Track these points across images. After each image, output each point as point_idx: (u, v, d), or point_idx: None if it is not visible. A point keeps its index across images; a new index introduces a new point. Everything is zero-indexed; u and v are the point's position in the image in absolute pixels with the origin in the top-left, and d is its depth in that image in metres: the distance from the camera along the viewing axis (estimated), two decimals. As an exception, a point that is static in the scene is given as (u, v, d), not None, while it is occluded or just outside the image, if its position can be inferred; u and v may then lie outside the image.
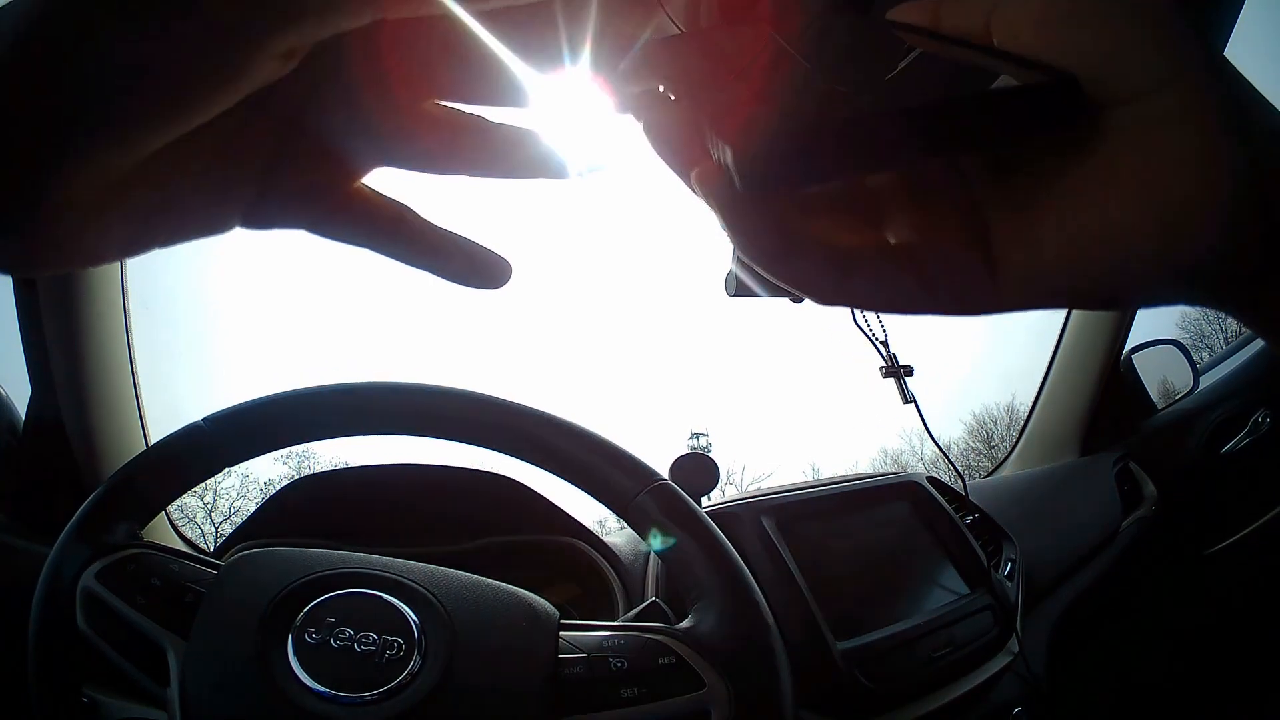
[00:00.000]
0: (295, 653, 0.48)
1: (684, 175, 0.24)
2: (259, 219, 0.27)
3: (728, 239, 0.24)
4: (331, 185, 0.28)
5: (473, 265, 0.29)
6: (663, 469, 0.63)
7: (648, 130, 0.25)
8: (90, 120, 0.20)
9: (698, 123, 0.24)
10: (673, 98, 0.26)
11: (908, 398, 0.89)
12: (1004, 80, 0.23)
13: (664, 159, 0.25)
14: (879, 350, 0.88)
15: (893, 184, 0.27)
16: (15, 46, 0.19)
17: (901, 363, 0.90)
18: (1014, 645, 0.94)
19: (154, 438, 0.94)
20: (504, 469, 0.87)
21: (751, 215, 0.23)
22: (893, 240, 0.26)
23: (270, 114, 0.26)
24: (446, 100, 0.27)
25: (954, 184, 0.26)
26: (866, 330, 0.86)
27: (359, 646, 0.49)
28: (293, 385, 0.62)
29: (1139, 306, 0.25)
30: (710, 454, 1.00)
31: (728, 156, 0.22)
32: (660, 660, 0.52)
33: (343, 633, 0.49)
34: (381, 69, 0.26)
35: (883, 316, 0.87)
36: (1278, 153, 0.21)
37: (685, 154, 0.24)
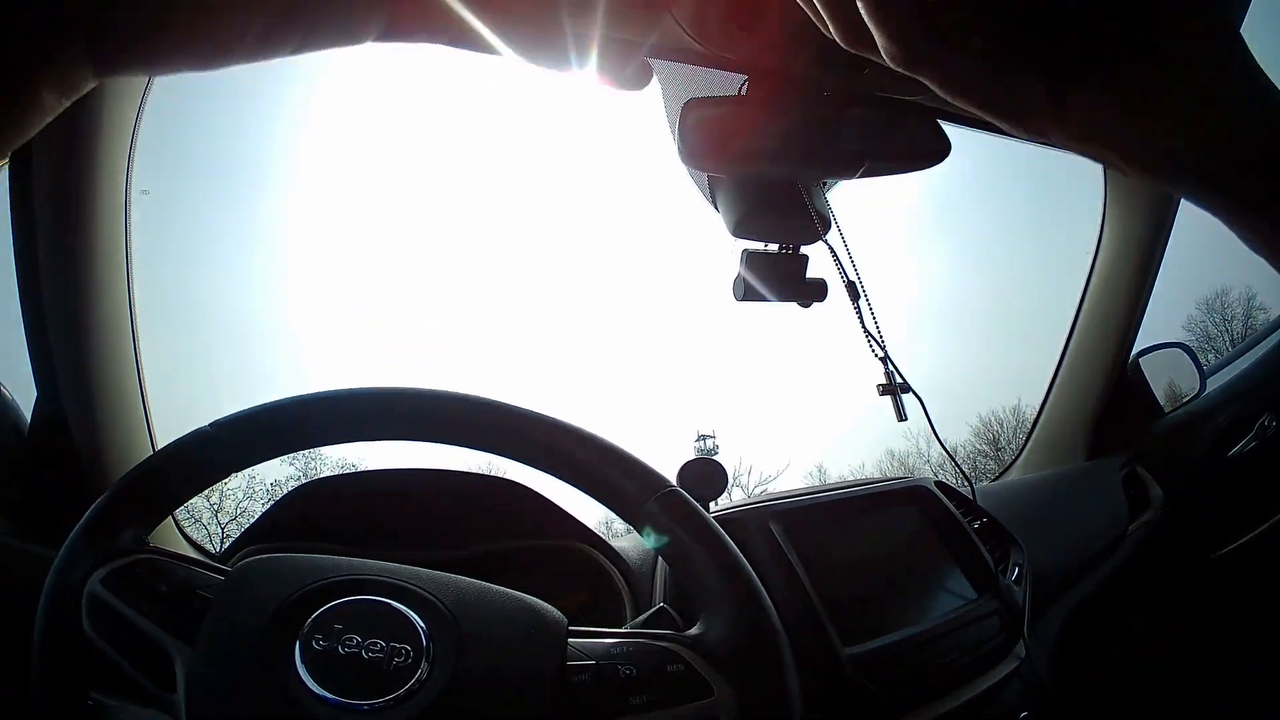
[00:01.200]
0: (302, 659, 0.48)
1: None
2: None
3: None
4: None
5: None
6: (670, 473, 0.63)
7: None
8: None
9: None
10: None
11: (903, 415, 0.89)
12: None
13: None
14: (885, 357, 0.87)
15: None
16: None
17: (899, 380, 0.90)
18: (1021, 650, 0.94)
19: (160, 442, 0.94)
20: (512, 474, 0.87)
21: None
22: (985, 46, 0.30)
23: None
24: None
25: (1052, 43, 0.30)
26: (872, 341, 0.86)
27: (366, 653, 0.48)
28: (300, 390, 0.62)
29: (1160, 180, 0.30)
30: (717, 457, 0.99)
31: None
32: (669, 668, 0.52)
33: (350, 639, 0.49)
34: None
35: (883, 334, 0.86)
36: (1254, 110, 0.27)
37: None
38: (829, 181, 0.81)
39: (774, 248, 0.84)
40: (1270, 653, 1.22)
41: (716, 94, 0.78)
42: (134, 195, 0.85)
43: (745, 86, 0.78)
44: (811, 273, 0.85)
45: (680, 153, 0.72)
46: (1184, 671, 1.25)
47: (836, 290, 0.87)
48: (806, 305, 0.86)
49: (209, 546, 1.07)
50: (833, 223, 0.81)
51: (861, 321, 0.82)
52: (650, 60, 0.81)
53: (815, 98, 0.77)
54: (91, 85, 0.24)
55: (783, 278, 0.83)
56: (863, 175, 0.75)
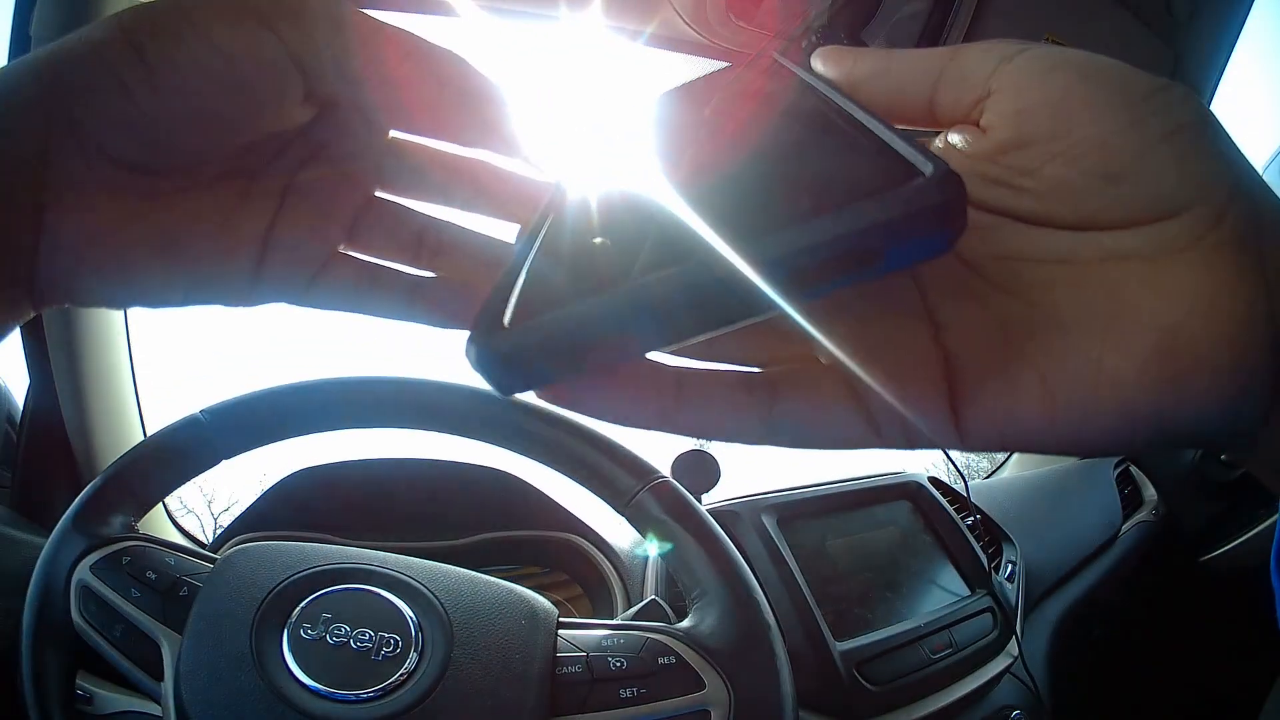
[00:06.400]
0: (291, 649, 0.47)
1: None
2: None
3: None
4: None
5: (465, 308, 0.29)
6: (663, 466, 0.63)
7: None
8: None
9: None
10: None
11: None
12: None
13: None
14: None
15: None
16: None
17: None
18: (1013, 648, 0.94)
19: (152, 429, 0.93)
20: (503, 464, 0.87)
21: (608, 390, 0.21)
22: (827, 361, 0.22)
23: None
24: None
25: (912, 302, 0.22)
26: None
27: (355, 643, 0.48)
28: (292, 378, 0.61)
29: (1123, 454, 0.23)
30: (710, 451, 0.99)
31: (472, 354, 0.19)
32: (660, 660, 0.52)
33: (339, 629, 0.48)
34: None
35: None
36: None
37: None
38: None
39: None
40: (1259, 655, 1.23)
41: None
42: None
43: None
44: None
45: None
46: (1176, 673, 1.25)
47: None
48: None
49: (202, 536, 1.06)
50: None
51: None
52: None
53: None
54: (31, 316, 0.25)
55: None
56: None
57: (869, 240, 0.16)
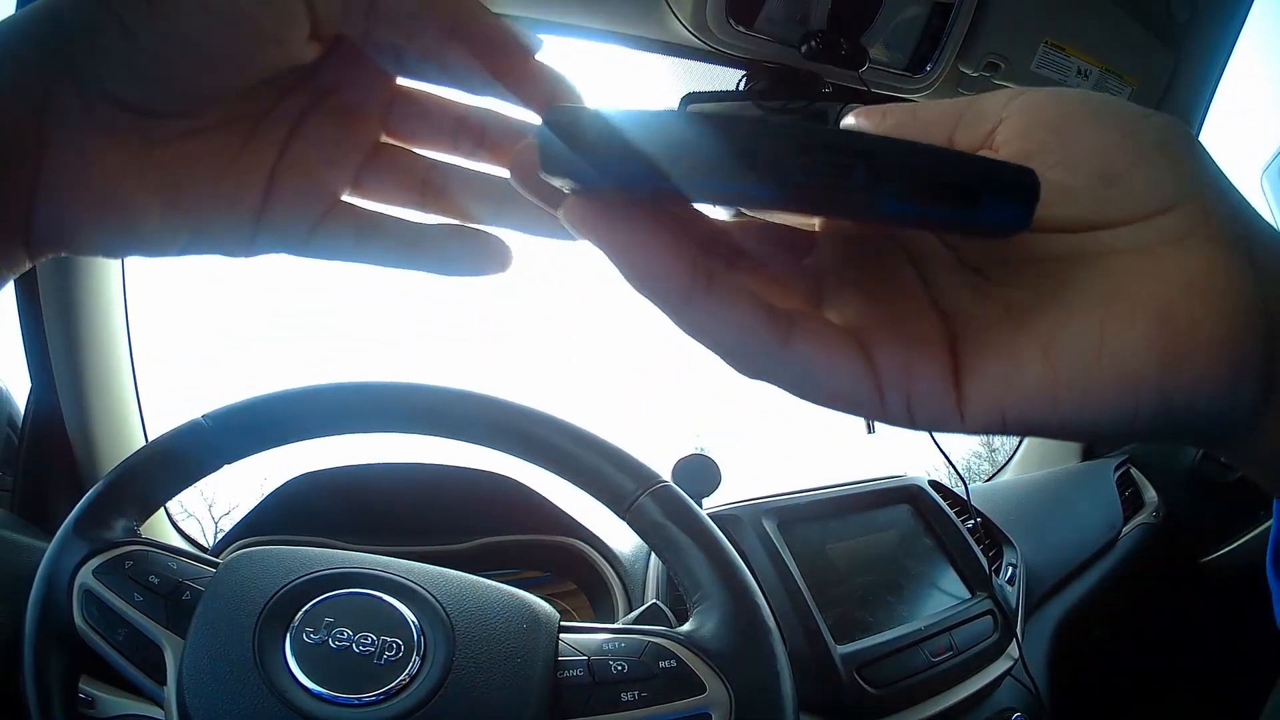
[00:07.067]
0: (293, 653, 0.47)
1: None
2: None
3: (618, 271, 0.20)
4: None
5: (468, 252, 0.28)
6: (664, 471, 0.63)
7: None
8: None
9: None
10: None
11: (871, 428, 0.90)
12: None
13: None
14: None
15: (841, 258, 0.24)
16: None
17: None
18: (1014, 650, 0.94)
19: (154, 434, 0.93)
20: (504, 469, 0.87)
21: (647, 230, 0.20)
22: (839, 321, 0.22)
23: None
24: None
25: (915, 279, 0.23)
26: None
27: (358, 647, 0.48)
28: (294, 383, 0.62)
29: (1121, 443, 0.23)
30: (710, 455, 0.99)
31: (551, 120, 0.18)
32: (661, 664, 0.52)
33: (341, 633, 0.49)
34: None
35: None
36: None
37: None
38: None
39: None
40: (1256, 657, 1.23)
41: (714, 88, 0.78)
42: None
43: (743, 81, 0.78)
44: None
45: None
46: (1176, 674, 1.25)
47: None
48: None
49: (203, 540, 1.07)
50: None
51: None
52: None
53: (814, 92, 0.77)
54: (27, 267, 0.24)
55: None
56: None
57: (977, 179, 0.18)
